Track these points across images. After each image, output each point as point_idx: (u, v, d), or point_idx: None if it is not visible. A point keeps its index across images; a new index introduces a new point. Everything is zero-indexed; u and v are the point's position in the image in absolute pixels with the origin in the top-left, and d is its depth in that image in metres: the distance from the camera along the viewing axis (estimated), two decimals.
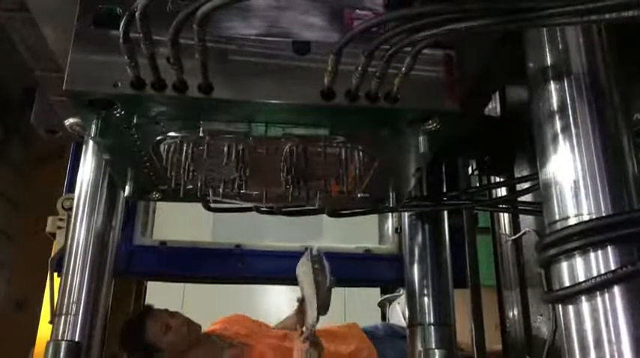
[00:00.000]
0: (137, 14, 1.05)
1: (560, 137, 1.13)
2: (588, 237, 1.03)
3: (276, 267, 2.84)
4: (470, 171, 2.47)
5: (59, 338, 1.74)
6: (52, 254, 3.18)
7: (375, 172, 1.55)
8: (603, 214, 1.05)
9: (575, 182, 1.09)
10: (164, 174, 1.54)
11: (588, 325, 1.00)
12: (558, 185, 1.12)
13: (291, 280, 2.28)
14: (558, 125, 1.14)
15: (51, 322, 1.86)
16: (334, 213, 2.01)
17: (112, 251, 2.00)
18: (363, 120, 1.32)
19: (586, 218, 1.06)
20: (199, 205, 1.98)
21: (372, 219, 3.39)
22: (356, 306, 5.25)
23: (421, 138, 1.33)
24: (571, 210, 1.08)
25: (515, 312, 2.26)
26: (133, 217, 2.83)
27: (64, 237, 2.32)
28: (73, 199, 2.06)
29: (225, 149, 1.40)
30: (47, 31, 1.45)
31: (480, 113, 2.03)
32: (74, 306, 1.80)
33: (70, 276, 1.90)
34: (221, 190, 1.62)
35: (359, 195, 1.70)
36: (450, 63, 1.27)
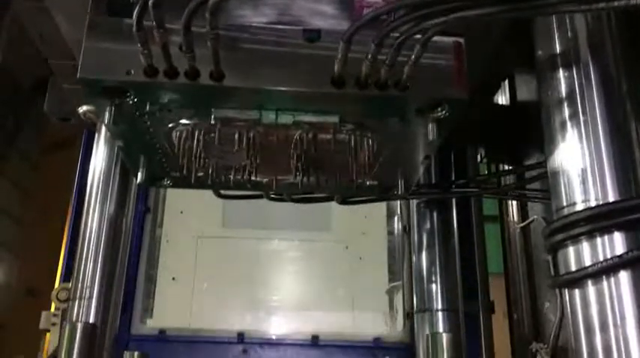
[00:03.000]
0: (150, 2, 1.06)
1: (569, 124, 1.14)
2: (595, 222, 1.04)
3: None
4: (479, 160, 2.48)
5: (74, 320, 1.77)
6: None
7: (384, 160, 1.57)
8: (610, 200, 1.06)
9: (583, 169, 1.10)
10: (176, 161, 1.56)
11: (594, 309, 1.02)
12: (566, 172, 1.13)
13: None
14: (566, 112, 1.15)
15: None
16: (344, 201, 2.02)
17: (124, 237, 2.04)
18: (372, 107, 1.33)
19: (593, 204, 1.07)
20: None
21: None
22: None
23: (430, 126, 1.34)
24: (578, 196, 1.09)
25: (523, 299, 2.27)
26: (132, 303, 2.82)
27: (57, 336, 2.27)
28: (69, 290, 2.02)
29: (236, 136, 1.41)
30: (60, 19, 1.47)
31: (489, 101, 2.04)
32: (88, 291, 1.83)
33: (83, 262, 1.93)
34: (232, 177, 1.64)
35: (367, 183, 1.72)
36: (459, 51, 1.28)
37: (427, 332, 2.09)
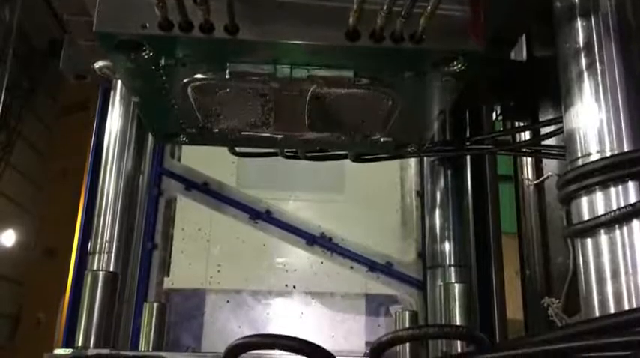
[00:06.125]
0: None
1: (585, 75, 1.13)
2: (609, 172, 1.04)
3: None
4: (494, 117, 2.46)
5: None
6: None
7: (399, 115, 1.56)
8: (625, 150, 1.06)
9: (599, 119, 1.10)
10: (191, 117, 1.58)
11: (606, 257, 1.03)
12: (581, 122, 1.13)
13: None
14: (583, 63, 1.14)
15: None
16: (357, 159, 2.02)
17: (142, 194, 2.07)
18: (387, 61, 1.33)
19: (608, 154, 1.07)
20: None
21: None
22: None
23: (445, 79, 1.34)
24: (593, 147, 1.10)
25: (536, 256, 2.29)
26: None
27: None
28: None
29: (251, 91, 1.42)
30: None
31: (506, 57, 2.01)
32: (107, 245, 1.88)
33: (102, 218, 1.97)
34: (246, 133, 1.65)
35: (382, 139, 1.72)
36: (476, 2, 1.26)
37: (439, 283, 2.11)
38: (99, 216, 1.97)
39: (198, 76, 1.39)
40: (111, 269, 1.84)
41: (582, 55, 1.14)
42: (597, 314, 1.04)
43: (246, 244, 3.81)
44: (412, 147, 1.77)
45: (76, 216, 3.68)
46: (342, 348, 3.44)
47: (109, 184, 2.03)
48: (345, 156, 2.02)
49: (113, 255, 1.88)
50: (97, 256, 1.88)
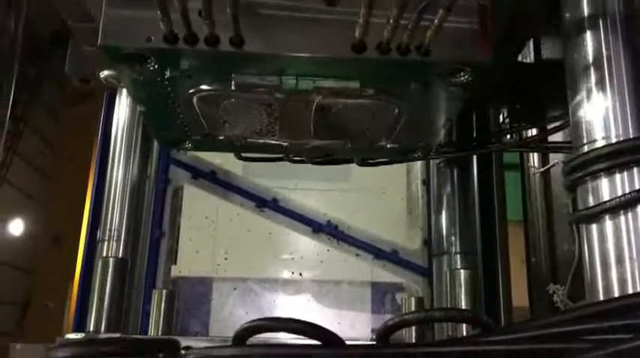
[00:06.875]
0: None
1: (592, 61, 1.12)
2: (615, 158, 1.05)
3: None
4: (501, 119, 2.44)
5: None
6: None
7: (405, 123, 1.55)
8: (631, 136, 1.06)
9: (605, 106, 1.09)
10: (197, 125, 1.57)
11: (610, 243, 1.04)
12: (587, 109, 1.12)
13: None
14: (590, 51, 1.13)
15: None
16: (364, 163, 2.02)
17: (149, 182, 2.09)
18: (393, 72, 1.31)
19: (613, 140, 1.07)
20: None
21: None
22: None
23: (452, 90, 1.33)
24: (599, 133, 1.10)
25: (542, 243, 2.30)
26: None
27: None
28: None
29: (256, 101, 1.41)
30: None
31: (513, 60, 1.97)
32: (116, 233, 1.90)
33: (110, 207, 1.99)
34: (252, 141, 1.65)
35: (388, 146, 1.71)
36: (483, 14, 1.24)
37: (445, 269, 2.11)
38: (107, 203, 1.99)
39: (204, 87, 1.39)
40: (120, 254, 1.86)
41: (589, 42, 1.13)
42: (602, 299, 1.05)
43: (253, 232, 3.81)
44: (418, 152, 1.76)
45: (83, 204, 3.71)
46: (348, 335, 3.47)
47: (117, 173, 2.05)
48: (351, 161, 2.01)
49: (122, 242, 1.91)
50: (106, 243, 1.91)
